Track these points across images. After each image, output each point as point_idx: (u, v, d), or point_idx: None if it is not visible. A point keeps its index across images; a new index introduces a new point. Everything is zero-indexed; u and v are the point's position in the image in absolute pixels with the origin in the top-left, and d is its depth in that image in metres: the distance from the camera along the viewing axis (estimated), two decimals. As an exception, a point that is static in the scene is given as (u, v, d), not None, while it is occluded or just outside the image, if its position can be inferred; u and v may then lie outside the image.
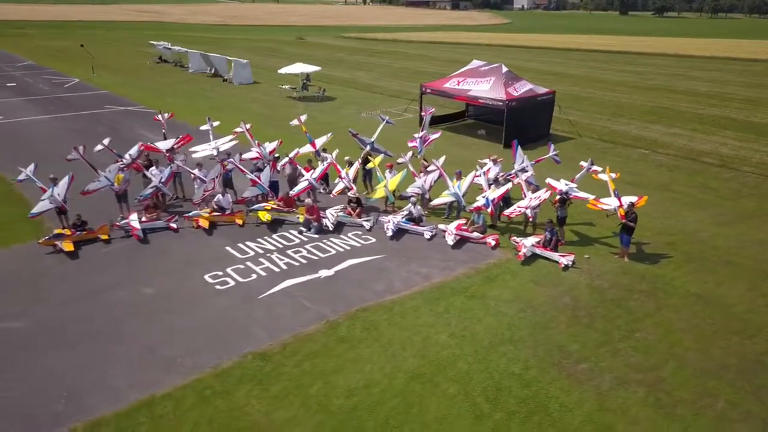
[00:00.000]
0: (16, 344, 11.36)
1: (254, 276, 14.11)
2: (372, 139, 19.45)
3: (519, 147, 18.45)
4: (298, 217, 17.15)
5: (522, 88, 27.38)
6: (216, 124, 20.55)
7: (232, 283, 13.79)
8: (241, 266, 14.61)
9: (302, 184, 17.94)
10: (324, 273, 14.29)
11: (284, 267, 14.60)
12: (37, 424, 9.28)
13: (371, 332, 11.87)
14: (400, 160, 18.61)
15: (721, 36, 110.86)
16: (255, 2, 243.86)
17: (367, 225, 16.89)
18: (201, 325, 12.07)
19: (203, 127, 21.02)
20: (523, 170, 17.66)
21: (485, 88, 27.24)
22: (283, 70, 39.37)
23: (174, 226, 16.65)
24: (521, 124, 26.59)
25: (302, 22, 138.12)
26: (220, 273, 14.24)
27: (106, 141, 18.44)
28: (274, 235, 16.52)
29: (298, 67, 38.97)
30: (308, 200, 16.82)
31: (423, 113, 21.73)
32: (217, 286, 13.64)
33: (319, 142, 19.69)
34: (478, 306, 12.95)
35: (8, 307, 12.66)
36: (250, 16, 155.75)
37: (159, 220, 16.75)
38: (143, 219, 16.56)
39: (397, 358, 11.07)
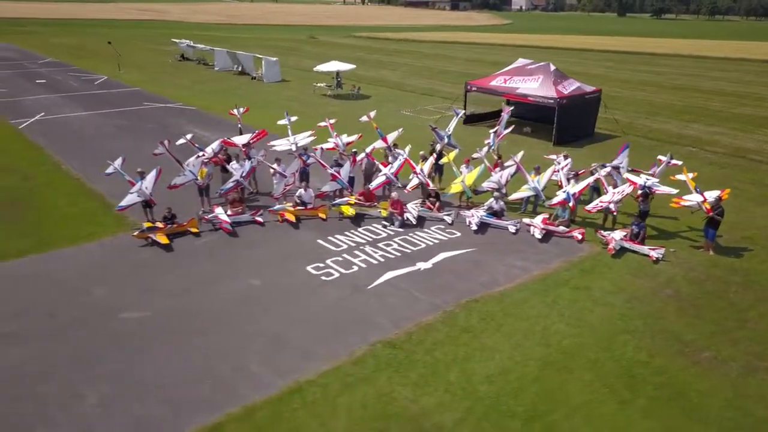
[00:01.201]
0: (146, 334, 11.50)
1: (355, 268, 14.29)
2: (449, 133, 19.69)
3: (627, 149, 18.37)
4: (379, 212, 17.33)
5: (570, 87, 27.63)
6: (294, 119, 20.70)
7: (336, 274, 13.97)
8: (339, 258, 14.80)
9: (380, 179, 18.12)
10: (422, 265, 14.49)
11: (381, 259, 14.79)
12: (193, 410, 9.44)
13: (489, 322, 12.07)
14: (475, 155, 18.81)
15: (723, 38, 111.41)
16: (254, 2, 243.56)
17: (448, 219, 17.09)
18: (319, 315, 12.24)
19: (281, 122, 21.20)
20: (617, 169, 17.76)
21: (534, 86, 27.47)
22: (318, 68, 39.50)
23: (260, 219, 16.81)
24: (570, 122, 26.89)
25: (304, 21, 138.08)
26: (322, 265, 14.42)
27: (189, 135, 18.58)
28: (360, 229, 16.71)
29: (334, 65, 39.09)
30: (394, 194, 16.99)
31: (503, 112, 22.03)
32: (323, 278, 13.82)
33: (391, 137, 19.87)
34: (585, 297, 13.17)
35: (121, 298, 12.79)
36: (250, 15, 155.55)
37: (244, 214, 16.89)
38: (228, 213, 16.70)
39: (523, 347, 11.27)
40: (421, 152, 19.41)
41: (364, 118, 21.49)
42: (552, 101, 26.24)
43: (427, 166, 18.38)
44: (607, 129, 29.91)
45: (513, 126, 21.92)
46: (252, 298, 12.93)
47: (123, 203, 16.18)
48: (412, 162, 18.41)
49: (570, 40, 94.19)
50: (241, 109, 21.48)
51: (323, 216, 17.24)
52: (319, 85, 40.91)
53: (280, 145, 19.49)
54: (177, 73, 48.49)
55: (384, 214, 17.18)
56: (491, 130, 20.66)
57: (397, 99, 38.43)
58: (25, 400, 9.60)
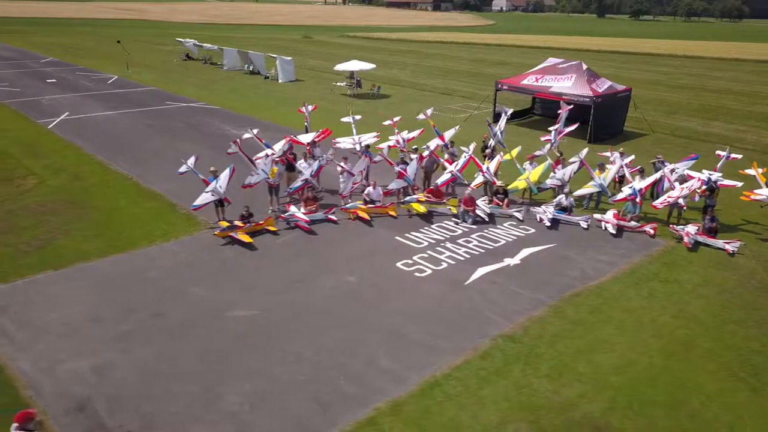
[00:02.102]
0: (263, 331, 11.47)
1: (444, 264, 14.40)
2: (502, 130, 19.90)
3: (693, 161, 18.59)
4: (449, 209, 17.46)
5: (603, 85, 28.07)
6: (358, 118, 20.70)
7: (428, 271, 14.05)
8: (425, 255, 14.88)
9: (445, 176, 18.23)
10: (510, 261, 14.65)
11: (466, 255, 14.91)
12: (340, 406, 9.46)
13: (598, 315, 12.28)
14: (538, 153, 19.04)
15: (709, 39, 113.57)
16: (234, 1, 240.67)
17: (519, 216, 17.28)
18: (428, 310, 12.33)
19: (344, 119, 21.19)
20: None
21: (568, 85, 27.83)
22: (339, 67, 39.47)
23: (334, 218, 16.81)
24: (604, 120, 27.31)
25: (287, 21, 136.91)
26: (410, 261, 14.50)
27: (255, 130, 18.47)
28: (433, 226, 16.81)
29: (355, 65, 39.08)
30: (467, 192, 17.12)
31: (561, 110, 22.32)
32: (416, 274, 13.90)
33: (448, 134, 20.01)
34: (677, 289, 13.46)
35: (222, 296, 12.73)
36: (232, 15, 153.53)
37: (318, 213, 16.88)
38: (303, 211, 16.68)
39: (639, 339, 11.50)
40: (487, 150, 19.60)
41: (421, 116, 21.59)
42: (588, 100, 26.61)
43: (493, 164, 18.52)
44: (634, 127, 30.40)
45: (577, 125, 22.18)
46: (353, 294, 12.97)
47: (197, 202, 16.06)
48: (477, 159, 18.56)
49: (564, 40, 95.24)
50: (310, 107, 21.38)
51: (393, 213, 17.31)
52: (338, 84, 40.83)
53: (345, 143, 19.49)
54: (187, 73, 48.01)
55: (454, 211, 17.30)
56: (551, 128, 20.88)
57: (418, 98, 38.55)
58: (169, 400, 9.53)
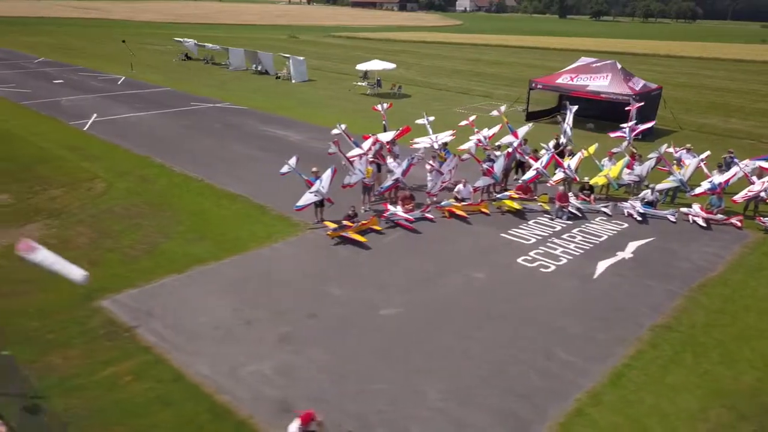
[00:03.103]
0: (415, 329, 11.51)
1: (564, 260, 14.65)
2: (570, 127, 20.40)
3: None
4: (540, 205, 17.75)
5: (638, 84, 28.89)
6: (431, 119, 20.77)
7: (552, 267, 14.29)
8: (539, 250, 15.13)
9: (530, 173, 18.52)
10: (622, 254, 15.02)
11: (579, 250, 15.21)
12: (542, 399, 9.60)
13: (734, 304, 12.74)
14: (616, 150, 19.53)
15: (664, 38, 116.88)
16: (198, 0, 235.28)
17: (607, 211, 17.68)
18: (572, 304, 12.57)
19: (419, 121, 21.23)
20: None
21: (604, 84, 28.54)
22: (361, 66, 39.47)
23: (431, 216, 16.90)
24: (641, 118, 27.99)
25: (256, 21, 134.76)
26: (529, 257, 14.72)
27: (343, 126, 18.35)
28: (530, 222, 17.06)
29: (377, 64, 39.15)
30: (561, 188, 17.44)
31: (630, 107, 22.93)
32: (541, 269, 14.13)
33: (521, 132, 20.30)
34: (795, 278, 14.05)
35: (363, 295, 12.70)
36: (199, 14, 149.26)
37: (414, 211, 16.92)
38: (401, 210, 16.72)
39: (786, 324, 11.99)
40: (569, 146, 20.08)
41: (495, 113, 21.81)
42: (628, 98, 27.30)
43: (574, 160, 18.90)
44: (661, 125, 31.30)
45: (653, 123, 22.82)
46: (488, 291, 13.11)
47: (300, 203, 15.93)
48: (557, 157, 18.92)
49: (544, 41, 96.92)
50: (385, 105, 21.32)
51: (486, 211, 17.49)
52: (358, 84, 40.79)
53: (423, 143, 19.56)
54: (191, 72, 47.16)
55: (545, 207, 17.60)
56: (624, 126, 21.36)
57: (440, 98, 38.84)
58: (370, 399, 9.49)
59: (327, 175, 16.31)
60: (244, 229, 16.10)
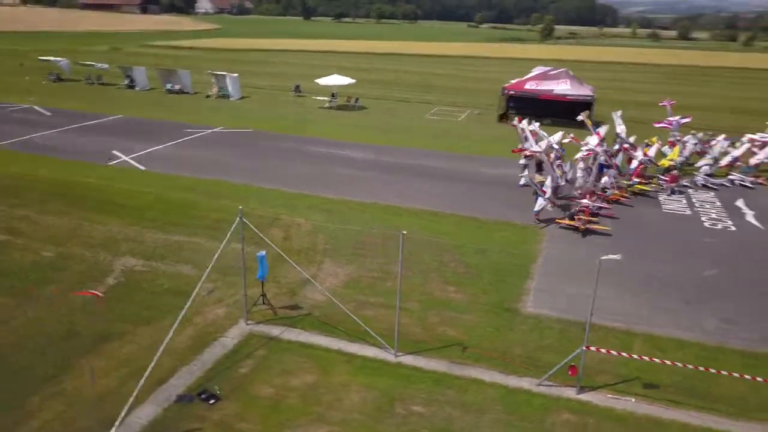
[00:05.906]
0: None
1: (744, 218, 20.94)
2: (623, 127, 26.75)
3: None
4: (654, 187, 23.71)
5: (588, 86, 37.02)
6: (537, 124, 24.45)
7: (734, 228, 20.22)
8: (712, 216, 21.05)
9: (635, 163, 24.22)
10: (746, 213, 21.73)
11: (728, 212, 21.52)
12: None
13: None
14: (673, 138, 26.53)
15: (429, 39, 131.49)
16: None
17: (689, 185, 24.47)
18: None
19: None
20: None
21: (567, 88, 35.83)
22: (320, 81, 40.80)
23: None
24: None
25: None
26: (715, 222, 20.50)
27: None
28: (661, 198, 22.85)
29: (336, 79, 40.86)
30: (674, 171, 23.58)
31: (663, 103, 29.94)
32: (732, 228, 20.03)
33: (602, 130, 25.73)
34: None
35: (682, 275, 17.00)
36: None
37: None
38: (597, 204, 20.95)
39: None
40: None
41: (581, 117, 26.49)
42: (590, 97, 35.03)
43: (653, 150, 25.24)
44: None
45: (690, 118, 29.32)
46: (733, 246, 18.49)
47: (537, 208, 19.23)
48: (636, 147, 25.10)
49: (368, 45, 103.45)
50: (525, 123, 24.42)
51: (625, 195, 22.71)
52: (316, 98, 41.82)
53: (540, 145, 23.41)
54: (100, 95, 41.79)
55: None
56: (672, 119, 28.28)
57: (401, 107, 42.25)
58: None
59: (548, 183, 19.69)
60: (494, 241, 18.37)
